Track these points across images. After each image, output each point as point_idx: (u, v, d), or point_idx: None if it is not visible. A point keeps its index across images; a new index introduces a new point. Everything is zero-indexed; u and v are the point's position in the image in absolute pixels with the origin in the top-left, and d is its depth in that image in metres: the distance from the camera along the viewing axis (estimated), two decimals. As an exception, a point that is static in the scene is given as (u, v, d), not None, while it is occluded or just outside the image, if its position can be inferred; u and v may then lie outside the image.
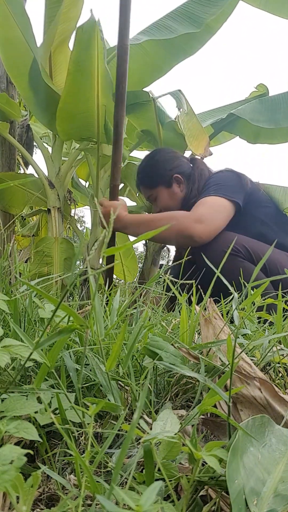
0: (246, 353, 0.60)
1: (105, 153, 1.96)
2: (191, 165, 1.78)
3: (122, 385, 0.54)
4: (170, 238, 1.52)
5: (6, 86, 1.99)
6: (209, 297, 0.64)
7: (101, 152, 1.92)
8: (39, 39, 1.85)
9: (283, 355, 0.61)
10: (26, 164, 2.29)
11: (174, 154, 1.80)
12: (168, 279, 0.88)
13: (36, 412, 0.43)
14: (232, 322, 0.79)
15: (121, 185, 2.38)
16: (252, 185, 1.66)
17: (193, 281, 0.85)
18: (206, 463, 0.35)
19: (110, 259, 1.66)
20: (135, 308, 0.79)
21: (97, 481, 0.33)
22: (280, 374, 0.62)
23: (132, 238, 2.44)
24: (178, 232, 1.45)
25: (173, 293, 0.85)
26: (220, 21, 1.92)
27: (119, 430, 0.46)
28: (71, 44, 1.93)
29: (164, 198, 1.75)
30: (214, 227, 1.49)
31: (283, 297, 0.74)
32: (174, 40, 1.80)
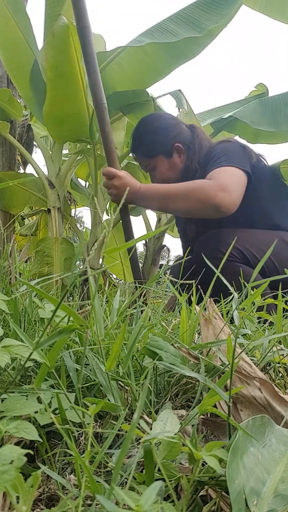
0: (246, 353, 0.60)
1: (102, 153, 1.96)
2: (191, 132, 1.62)
3: (122, 385, 0.54)
4: (194, 210, 1.38)
5: (7, 86, 2.00)
6: (209, 297, 0.64)
7: (97, 152, 1.92)
8: (39, 39, 1.85)
9: (283, 355, 0.61)
10: (25, 163, 2.29)
11: (175, 120, 1.64)
12: (168, 279, 0.88)
13: (36, 412, 0.43)
14: (232, 322, 0.79)
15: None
16: (256, 157, 1.55)
17: (193, 281, 0.85)
18: (206, 463, 0.35)
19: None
20: (135, 308, 0.79)
21: (97, 481, 0.32)
22: (280, 374, 0.62)
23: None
24: (203, 202, 1.33)
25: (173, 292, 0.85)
26: (221, 26, 1.91)
27: (119, 430, 0.46)
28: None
29: (163, 168, 1.60)
30: (237, 197, 1.37)
31: (283, 296, 0.74)
32: (175, 44, 1.79)
